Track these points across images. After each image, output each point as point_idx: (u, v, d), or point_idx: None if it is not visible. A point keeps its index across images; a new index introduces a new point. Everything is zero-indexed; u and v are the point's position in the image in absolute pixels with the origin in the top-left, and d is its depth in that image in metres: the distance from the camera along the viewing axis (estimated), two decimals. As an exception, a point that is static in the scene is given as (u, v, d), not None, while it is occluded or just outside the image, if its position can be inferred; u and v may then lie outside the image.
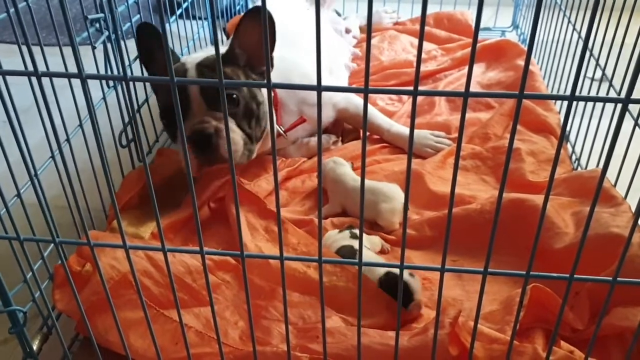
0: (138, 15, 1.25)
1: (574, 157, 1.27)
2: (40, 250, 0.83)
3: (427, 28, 1.88)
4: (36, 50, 0.70)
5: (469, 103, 1.45)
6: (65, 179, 0.61)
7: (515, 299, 0.80)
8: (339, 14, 2.08)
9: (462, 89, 0.46)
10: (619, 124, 0.48)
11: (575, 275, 0.55)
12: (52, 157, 0.88)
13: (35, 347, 0.81)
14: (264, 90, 1.11)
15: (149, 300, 0.83)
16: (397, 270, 0.86)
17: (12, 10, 0.75)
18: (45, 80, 0.64)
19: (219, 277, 0.92)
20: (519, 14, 2.05)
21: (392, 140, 1.33)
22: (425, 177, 1.17)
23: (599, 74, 1.20)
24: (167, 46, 0.48)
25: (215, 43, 0.48)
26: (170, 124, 1.07)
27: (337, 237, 0.98)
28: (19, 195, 0.76)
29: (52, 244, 0.62)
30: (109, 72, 1.06)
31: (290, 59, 1.23)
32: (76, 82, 0.52)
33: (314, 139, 1.31)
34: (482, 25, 2.07)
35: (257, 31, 1.01)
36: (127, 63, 1.15)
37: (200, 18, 1.73)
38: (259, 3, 1.75)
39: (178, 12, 1.48)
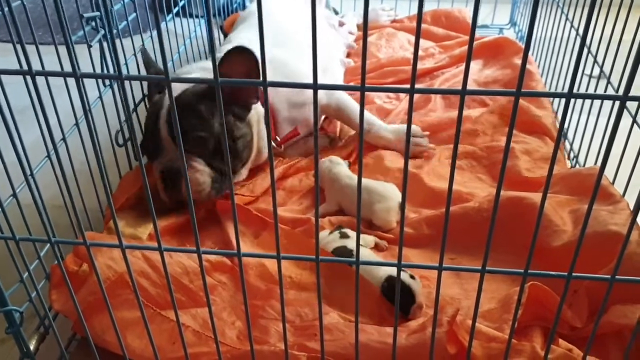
0: (134, 14, 1.24)
1: (572, 155, 1.27)
2: (37, 250, 0.83)
3: (424, 26, 1.88)
4: (31, 49, 0.69)
5: (466, 103, 1.45)
6: (62, 179, 0.60)
7: (514, 297, 0.80)
8: (336, 12, 2.07)
9: (458, 86, 0.45)
10: (617, 122, 0.48)
11: (573, 274, 0.55)
12: (48, 156, 0.87)
13: (32, 347, 0.81)
14: (252, 121, 1.11)
15: (146, 300, 0.82)
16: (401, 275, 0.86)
17: (5, 9, 0.75)
18: (42, 80, 0.63)
19: (216, 279, 0.92)
20: (516, 11, 2.05)
21: (372, 140, 1.30)
22: (421, 174, 1.17)
23: (597, 71, 1.20)
24: (162, 44, 0.48)
25: (210, 41, 0.47)
26: (146, 153, 1.09)
27: (328, 240, 0.98)
28: (14, 195, 0.76)
29: (49, 244, 0.62)
30: (106, 71, 1.05)
31: (279, 59, 1.22)
32: (72, 81, 0.52)
33: (311, 138, 1.31)
34: (479, 22, 2.07)
35: (241, 68, 0.99)
36: (122, 62, 1.15)
37: (197, 16, 1.73)
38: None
39: (175, 10, 1.47)
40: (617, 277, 0.55)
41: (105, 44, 1.01)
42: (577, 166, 1.22)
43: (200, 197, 1.04)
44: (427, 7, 1.97)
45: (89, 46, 0.99)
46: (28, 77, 0.53)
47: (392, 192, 1.08)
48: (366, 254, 0.95)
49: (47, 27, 0.88)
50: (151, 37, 1.32)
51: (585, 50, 1.23)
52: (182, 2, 1.54)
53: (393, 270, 0.87)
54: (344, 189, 1.11)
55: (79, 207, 0.95)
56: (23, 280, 0.78)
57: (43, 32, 1.86)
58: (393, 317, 0.85)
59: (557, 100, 1.46)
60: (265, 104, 0.49)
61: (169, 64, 1.46)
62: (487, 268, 0.56)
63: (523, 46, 1.64)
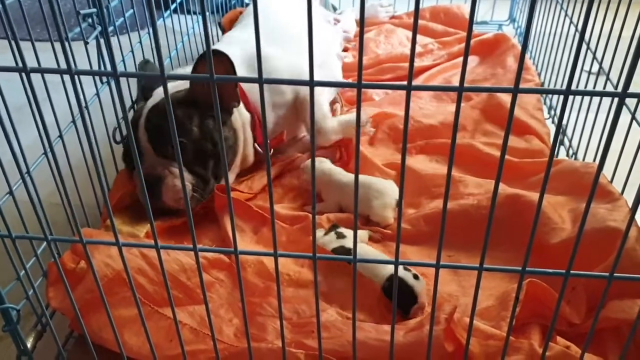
0: (132, 10, 1.23)
1: (570, 152, 1.27)
2: (34, 248, 0.82)
3: (423, 22, 1.87)
4: (28, 46, 0.69)
5: (448, 94, 1.45)
6: (58, 176, 0.60)
7: (511, 295, 0.80)
8: (335, 8, 2.07)
9: (452, 79, 0.45)
10: (616, 118, 0.47)
11: (571, 271, 0.55)
12: (45, 154, 0.87)
13: (29, 345, 0.81)
14: (236, 125, 1.10)
15: (143, 298, 0.82)
16: (403, 274, 0.86)
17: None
18: (38, 77, 0.63)
19: (213, 276, 0.91)
20: (515, 7, 2.05)
21: (323, 139, 1.26)
22: (411, 166, 1.18)
23: (595, 67, 1.20)
24: (159, 44, 0.47)
25: (206, 38, 0.47)
26: (129, 163, 1.09)
27: (324, 241, 0.97)
28: (11, 192, 0.76)
29: (45, 242, 0.62)
30: (103, 68, 1.05)
31: (269, 57, 1.20)
32: (69, 79, 0.51)
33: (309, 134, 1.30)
34: (479, 19, 2.06)
35: (218, 71, 0.98)
36: (120, 59, 1.15)
37: (195, 12, 1.73)
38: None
39: (172, 7, 1.47)
40: (615, 274, 0.55)
41: (102, 41, 1.01)
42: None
43: (179, 206, 1.02)
44: (426, 4, 1.96)
45: (86, 43, 0.99)
46: (24, 75, 0.52)
47: (389, 189, 1.07)
48: (368, 251, 0.95)
49: (45, 24, 0.88)
50: (149, 34, 1.32)
51: (584, 47, 1.22)
52: (180, -1, 1.53)
53: (399, 269, 0.87)
54: (343, 187, 1.10)
55: (76, 204, 0.95)
56: (20, 278, 0.78)
57: (41, 28, 1.86)
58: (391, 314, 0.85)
59: (555, 97, 1.46)
60: (261, 101, 0.49)
61: (167, 61, 1.46)
62: (484, 266, 0.55)
63: (519, 43, 1.64)
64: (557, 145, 1.26)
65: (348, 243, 0.95)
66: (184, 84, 1.07)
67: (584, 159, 1.18)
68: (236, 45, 1.24)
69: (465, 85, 0.46)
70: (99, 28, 0.97)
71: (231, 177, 1.14)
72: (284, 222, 1.06)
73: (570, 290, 0.82)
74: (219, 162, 1.06)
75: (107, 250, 0.85)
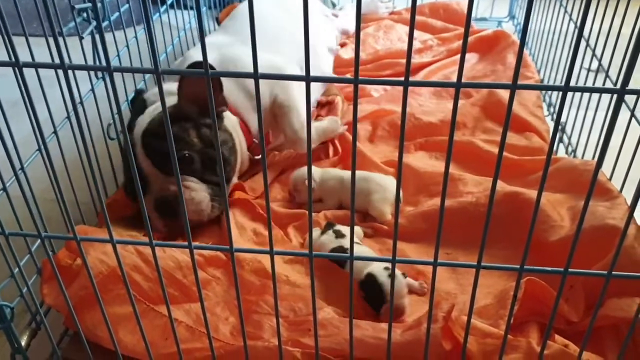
0: (127, 5, 1.23)
1: (569, 149, 1.27)
2: (28, 245, 0.82)
3: (422, 18, 1.86)
4: (21, 41, 0.68)
5: (448, 90, 1.44)
6: (52, 173, 0.59)
7: (510, 293, 0.80)
8: (334, 5, 2.06)
9: (451, 75, 0.45)
10: (615, 115, 0.47)
11: (569, 269, 0.54)
12: (39, 150, 0.86)
13: (23, 343, 0.80)
14: (228, 127, 1.08)
15: (138, 295, 0.81)
16: (378, 272, 0.85)
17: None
18: (32, 72, 0.62)
19: (209, 273, 0.91)
20: (515, 4, 2.04)
21: (301, 148, 1.22)
22: (410, 162, 1.17)
23: (595, 64, 1.19)
24: (153, 38, 0.47)
25: (200, 35, 0.46)
26: (132, 193, 1.04)
27: (323, 241, 0.96)
28: (4, 189, 0.75)
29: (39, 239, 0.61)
30: (97, 63, 1.04)
31: (230, 57, 1.19)
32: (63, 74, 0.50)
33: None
34: (478, 15, 2.05)
35: (201, 82, 0.94)
36: (115, 54, 1.14)
37: (192, 8, 1.72)
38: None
39: (169, 2, 1.46)
40: (613, 272, 0.54)
41: (97, 36, 1.00)
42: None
43: (202, 217, 1.00)
44: (426, 0, 1.96)
45: (81, 38, 0.98)
46: (17, 70, 0.51)
47: (390, 184, 1.07)
48: (364, 250, 0.94)
49: (40, 19, 0.87)
50: (144, 29, 1.31)
51: (584, 43, 1.22)
52: (177, -6, 1.52)
53: (376, 268, 0.86)
54: (342, 182, 1.09)
55: (71, 200, 0.94)
56: (14, 275, 0.77)
57: (37, 24, 1.84)
58: (365, 313, 0.85)
59: (554, 94, 1.46)
60: (257, 96, 0.48)
61: (162, 57, 1.45)
62: (482, 263, 0.55)
63: (519, 40, 1.63)
64: (557, 142, 1.26)
65: (346, 243, 0.94)
66: (157, 107, 1.05)
67: (583, 157, 1.18)
68: (212, 50, 1.23)
69: (466, 81, 0.45)
70: (94, 23, 0.97)
71: (235, 179, 1.12)
72: (281, 219, 1.05)
73: (568, 288, 0.82)
74: (227, 166, 1.05)
75: (102, 247, 0.84)
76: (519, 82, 0.45)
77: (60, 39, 0.51)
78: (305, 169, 1.12)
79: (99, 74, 1.07)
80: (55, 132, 0.90)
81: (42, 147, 0.57)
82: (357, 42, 0.44)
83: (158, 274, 0.59)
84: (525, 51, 1.61)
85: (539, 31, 1.57)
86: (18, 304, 0.77)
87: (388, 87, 1.50)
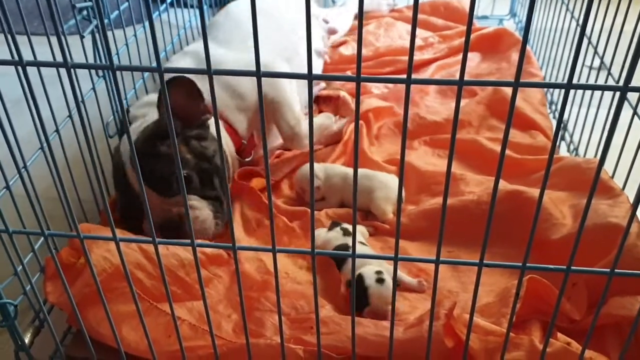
0: (127, 3, 1.23)
1: (571, 147, 1.27)
2: (31, 243, 0.82)
3: (424, 16, 1.86)
4: (24, 40, 0.68)
5: (453, 89, 1.44)
6: (55, 171, 0.59)
7: (512, 291, 0.80)
8: (334, 2, 2.05)
9: (453, 73, 0.45)
10: (617, 113, 0.47)
11: (572, 267, 0.54)
12: (42, 148, 0.86)
13: (27, 341, 0.81)
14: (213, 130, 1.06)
15: (142, 293, 0.82)
16: (367, 275, 0.84)
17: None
18: (34, 71, 0.62)
19: (212, 272, 0.91)
20: (516, 2, 2.03)
21: (299, 146, 1.23)
22: (412, 161, 1.17)
23: (597, 62, 1.19)
24: (155, 37, 0.47)
25: (203, 34, 0.46)
26: (131, 219, 1.00)
27: (329, 237, 0.96)
28: (7, 187, 0.75)
29: (43, 237, 0.61)
30: (98, 62, 1.04)
31: (215, 61, 1.18)
32: (65, 72, 0.51)
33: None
34: (479, 13, 2.05)
35: (181, 96, 0.96)
36: (114, 52, 1.14)
37: (192, 6, 1.72)
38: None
39: (169, 0, 1.46)
40: (616, 271, 0.54)
41: (97, 35, 1.00)
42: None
43: (208, 235, 0.98)
44: (427, -3, 1.95)
45: (82, 37, 0.98)
46: (20, 68, 0.51)
47: (392, 183, 1.07)
48: (367, 251, 0.93)
49: (41, 18, 0.87)
50: (144, 27, 1.31)
51: (585, 41, 1.22)
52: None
53: (367, 271, 0.86)
54: (346, 179, 1.09)
55: (74, 199, 0.94)
56: (17, 273, 0.77)
57: (38, 22, 1.84)
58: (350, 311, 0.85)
59: (556, 91, 1.45)
60: (260, 96, 0.48)
61: (162, 55, 1.45)
62: (485, 261, 0.55)
63: (522, 38, 1.63)
64: (559, 140, 1.26)
65: (349, 241, 0.94)
66: (144, 106, 1.04)
67: (584, 155, 1.17)
68: (189, 56, 1.23)
69: (468, 79, 0.45)
70: (94, 21, 0.97)
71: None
72: (283, 216, 1.06)
73: (570, 286, 0.82)
74: (222, 177, 1.02)
75: (105, 244, 0.84)
76: (523, 79, 0.45)
77: (62, 38, 0.50)
78: (307, 167, 1.12)
79: (99, 72, 1.07)
80: (57, 130, 0.91)
81: (45, 145, 0.58)
82: (359, 39, 0.44)
83: (161, 271, 0.59)
84: (529, 49, 1.60)
85: (541, 29, 1.57)
86: (21, 301, 0.77)
87: (390, 85, 1.50)
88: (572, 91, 0.46)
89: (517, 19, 2.00)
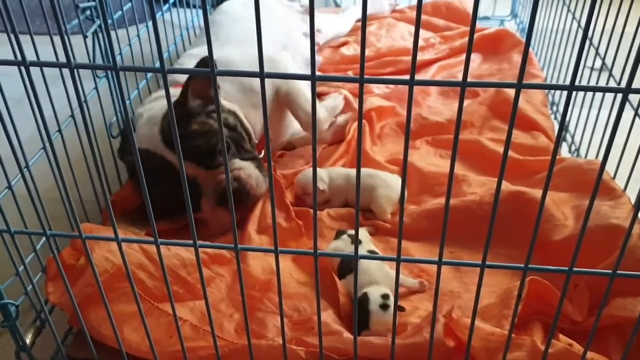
0: (130, 3, 1.23)
1: (572, 148, 1.27)
2: (33, 243, 0.82)
3: (425, 16, 1.86)
4: (27, 39, 0.68)
5: (455, 90, 1.44)
6: (57, 171, 0.59)
7: (513, 292, 0.80)
8: (337, 5, 2.05)
9: (455, 74, 0.45)
10: (619, 114, 0.47)
11: (574, 268, 0.54)
12: (44, 148, 0.86)
13: (28, 341, 0.81)
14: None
15: (143, 293, 0.82)
16: (373, 298, 0.81)
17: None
18: (37, 71, 0.62)
19: (214, 271, 0.91)
20: (517, 3, 2.03)
21: (306, 126, 1.25)
22: (414, 162, 1.17)
23: (598, 63, 1.19)
24: (158, 37, 0.47)
25: (207, 34, 0.46)
26: (177, 209, 0.85)
27: (338, 245, 0.94)
28: (9, 187, 0.75)
29: (44, 237, 0.61)
30: (101, 62, 1.04)
31: (222, 62, 1.19)
32: (67, 72, 0.51)
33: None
34: (480, 14, 2.05)
35: (200, 76, 0.99)
36: (117, 52, 1.14)
37: (195, 6, 1.72)
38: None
39: (172, 0, 1.46)
40: (618, 272, 0.54)
41: (100, 35, 1.00)
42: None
43: (262, 190, 1.03)
44: (428, -2, 1.95)
45: (85, 36, 0.98)
46: (23, 68, 0.51)
47: (394, 183, 1.07)
48: (373, 263, 0.90)
49: (44, 17, 0.87)
50: (147, 27, 1.31)
51: (587, 42, 1.22)
52: (180, -7, 1.52)
53: (374, 292, 0.83)
54: (349, 179, 1.09)
55: (75, 199, 0.94)
56: (19, 273, 0.77)
57: (40, 22, 1.85)
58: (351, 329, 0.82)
59: (557, 92, 1.45)
60: (263, 97, 0.48)
61: (165, 55, 1.45)
62: (487, 263, 0.55)
63: (523, 39, 1.63)
64: (560, 141, 1.26)
65: (361, 251, 0.92)
66: (149, 117, 1.04)
67: (586, 156, 1.17)
68: (195, 58, 1.23)
69: (471, 80, 0.45)
70: (97, 21, 0.97)
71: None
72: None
73: (572, 287, 0.82)
74: (251, 139, 1.08)
75: (107, 245, 0.84)
76: (525, 80, 0.45)
77: (65, 38, 0.50)
78: (310, 171, 1.13)
79: (101, 73, 1.07)
80: (59, 130, 0.91)
81: (47, 145, 0.58)
82: (362, 41, 0.44)
83: (163, 272, 0.59)
84: (531, 50, 1.60)
85: (542, 30, 1.57)
86: (23, 302, 0.77)
87: (391, 85, 1.50)
88: (573, 92, 0.46)
89: (518, 20, 2.00)
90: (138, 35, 1.25)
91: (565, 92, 0.46)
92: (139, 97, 1.26)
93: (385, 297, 0.82)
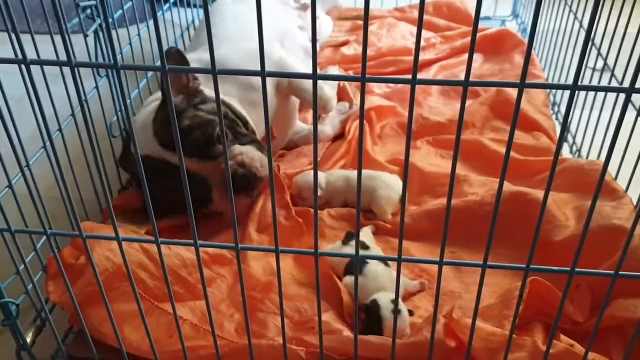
0: (130, 2, 1.23)
1: (574, 148, 1.26)
2: (33, 242, 0.82)
3: (426, 16, 1.86)
4: (27, 38, 0.68)
5: (456, 90, 1.44)
6: (57, 170, 0.59)
7: (514, 293, 0.79)
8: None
9: (456, 74, 0.44)
10: (622, 115, 0.47)
11: (576, 269, 0.54)
12: (44, 147, 0.86)
13: (28, 340, 0.80)
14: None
15: (144, 292, 0.81)
16: (383, 304, 0.81)
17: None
18: (37, 69, 0.62)
19: (214, 271, 0.91)
20: (519, 3, 2.03)
21: (320, 108, 1.27)
22: (415, 162, 1.17)
23: (600, 64, 1.19)
24: (159, 35, 0.47)
25: (208, 33, 0.46)
26: (178, 206, 0.83)
27: (345, 251, 0.92)
28: (10, 186, 0.75)
29: (45, 236, 0.61)
30: (102, 61, 1.04)
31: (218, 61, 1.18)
32: (68, 71, 0.50)
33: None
34: (481, 14, 2.04)
35: (180, 74, 1.00)
36: (118, 51, 1.14)
37: (195, 6, 1.71)
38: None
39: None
40: (620, 272, 0.54)
41: (101, 34, 1.00)
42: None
43: (267, 171, 0.99)
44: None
45: (85, 35, 0.98)
46: (24, 67, 0.51)
47: (395, 183, 1.07)
48: (382, 271, 0.89)
49: (45, 16, 0.87)
50: (147, 27, 1.31)
51: (589, 43, 1.21)
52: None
53: (383, 298, 0.82)
54: (349, 181, 1.09)
55: (76, 198, 0.94)
56: (19, 272, 0.77)
57: (41, 21, 1.85)
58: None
59: (559, 92, 1.45)
60: (264, 96, 0.48)
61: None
62: (488, 263, 0.55)
63: (524, 39, 1.63)
64: (562, 141, 1.26)
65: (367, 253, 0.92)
66: (145, 119, 1.03)
67: (587, 157, 1.17)
68: (195, 62, 1.22)
69: (473, 80, 0.45)
70: (98, 20, 0.96)
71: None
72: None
73: (574, 288, 0.81)
74: (247, 125, 1.07)
75: (108, 244, 0.84)
76: (527, 81, 0.45)
77: (66, 37, 0.50)
78: (308, 173, 1.13)
79: (101, 72, 1.07)
80: (60, 129, 0.90)
81: (48, 144, 0.57)
82: (364, 40, 0.44)
83: (163, 271, 0.59)
84: (532, 50, 1.60)
85: (543, 30, 1.56)
86: (23, 301, 0.77)
87: (392, 84, 1.50)
88: (575, 92, 0.46)
89: (519, 20, 1.99)
90: (139, 34, 1.25)
91: (567, 93, 0.46)
92: (139, 96, 1.26)
93: (394, 302, 0.81)
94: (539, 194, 0.96)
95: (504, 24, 2.00)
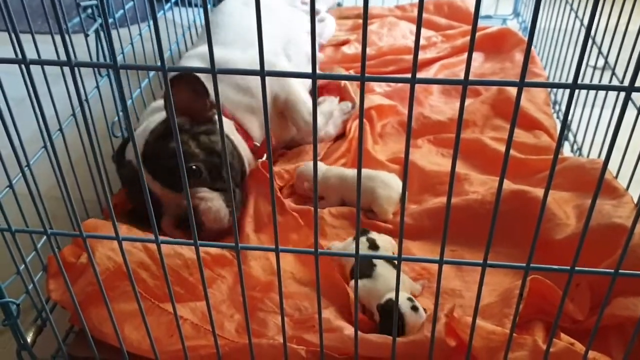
0: (132, 2, 1.23)
1: (575, 147, 1.26)
2: (34, 242, 0.82)
3: (427, 15, 1.86)
4: (28, 38, 0.68)
5: (457, 89, 1.44)
6: (58, 170, 0.59)
7: (514, 292, 0.79)
8: (339, 4, 2.05)
9: (457, 73, 0.44)
10: (622, 113, 0.47)
11: (576, 268, 0.54)
12: (45, 147, 0.86)
13: (29, 340, 0.81)
14: (227, 131, 1.07)
15: (144, 292, 0.82)
16: (401, 302, 0.80)
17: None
18: (38, 70, 0.62)
19: (216, 272, 0.91)
20: (520, 2, 2.03)
21: (305, 134, 1.26)
22: (415, 160, 1.17)
23: (601, 62, 1.18)
24: (158, 35, 0.47)
25: (207, 33, 0.46)
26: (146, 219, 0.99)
27: (354, 248, 0.93)
28: (10, 186, 0.75)
29: (45, 236, 0.61)
30: (102, 60, 1.04)
31: (219, 62, 1.19)
32: (68, 71, 0.51)
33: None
34: (482, 12, 2.04)
35: (187, 91, 0.97)
36: (119, 51, 1.14)
37: (196, 5, 1.71)
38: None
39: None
40: (620, 271, 0.54)
41: (102, 33, 1.00)
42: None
43: (223, 224, 0.99)
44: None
45: (86, 35, 0.98)
46: (24, 67, 0.51)
47: (394, 182, 1.07)
48: (388, 271, 0.89)
49: (45, 16, 0.87)
50: (149, 26, 1.31)
51: (590, 41, 1.21)
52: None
53: (400, 297, 0.81)
54: (345, 180, 1.09)
55: (76, 198, 0.94)
56: (20, 272, 0.77)
57: (42, 21, 1.85)
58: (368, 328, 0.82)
59: (560, 91, 1.45)
60: (263, 96, 0.48)
61: (167, 54, 1.45)
62: (488, 262, 0.55)
63: (526, 38, 1.63)
64: (562, 140, 1.26)
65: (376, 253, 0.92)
66: (147, 125, 1.02)
67: (588, 155, 1.17)
68: (196, 59, 1.24)
69: (473, 79, 0.45)
70: (99, 20, 0.97)
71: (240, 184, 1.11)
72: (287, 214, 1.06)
73: (574, 286, 0.81)
74: (232, 170, 1.04)
75: (109, 243, 0.84)
76: (528, 79, 0.45)
77: (66, 36, 0.50)
78: (310, 163, 1.13)
79: (103, 72, 1.07)
80: (60, 129, 0.91)
81: (49, 144, 0.57)
82: (364, 39, 0.44)
83: (164, 271, 0.59)
84: (533, 49, 1.60)
85: (544, 29, 1.56)
86: (24, 300, 0.77)
87: (393, 83, 1.50)
88: (576, 91, 0.46)
89: (520, 19, 1.99)
90: (140, 34, 1.25)
91: (567, 91, 0.46)
92: (141, 96, 1.26)
93: (410, 299, 0.82)
94: (540, 192, 0.96)
95: (505, 23, 2.00)
